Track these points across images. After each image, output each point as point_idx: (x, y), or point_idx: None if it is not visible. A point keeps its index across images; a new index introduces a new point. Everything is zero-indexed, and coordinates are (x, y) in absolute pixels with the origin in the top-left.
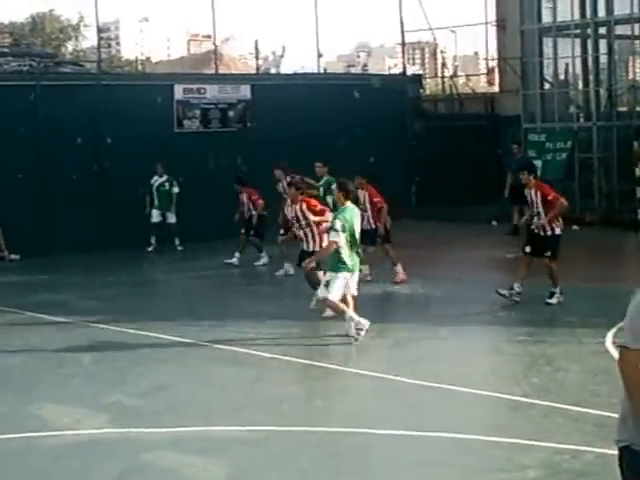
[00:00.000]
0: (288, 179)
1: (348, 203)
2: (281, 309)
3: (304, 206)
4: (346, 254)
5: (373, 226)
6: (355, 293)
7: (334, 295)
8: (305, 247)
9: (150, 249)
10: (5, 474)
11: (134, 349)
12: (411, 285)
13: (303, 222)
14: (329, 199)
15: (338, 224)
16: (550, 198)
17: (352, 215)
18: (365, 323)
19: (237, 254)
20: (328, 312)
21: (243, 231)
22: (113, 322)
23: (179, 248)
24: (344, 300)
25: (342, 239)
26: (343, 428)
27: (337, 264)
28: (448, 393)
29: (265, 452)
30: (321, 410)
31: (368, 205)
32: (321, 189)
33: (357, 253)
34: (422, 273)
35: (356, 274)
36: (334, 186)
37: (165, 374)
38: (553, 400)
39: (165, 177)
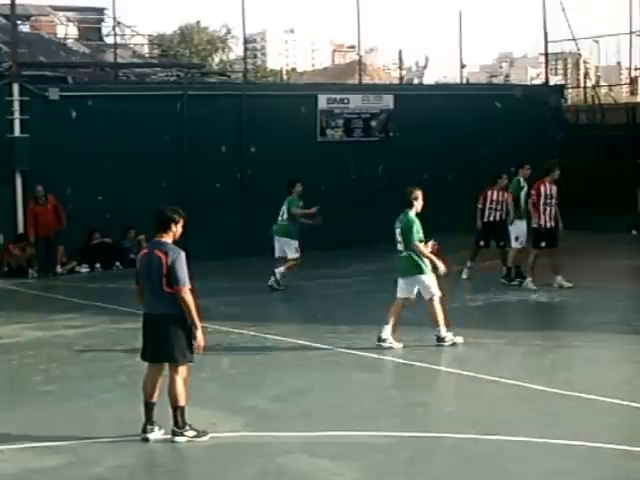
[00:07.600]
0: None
1: None
2: (417, 315)
3: None
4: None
5: None
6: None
7: None
8: None
9: None
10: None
11: (272, 354)
12: (547, 293)
13: None
14: None
15: None
16: None
17: None
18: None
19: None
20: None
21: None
22: (252, 327)
23: None
24: None
25: None
26: (475, 435)
27: None
28: (582, 401)
29: (397, 458)
30: (454, 417)
31: None
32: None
33: None
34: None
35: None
36: None
37: (301, 379)
38: None
39: None
